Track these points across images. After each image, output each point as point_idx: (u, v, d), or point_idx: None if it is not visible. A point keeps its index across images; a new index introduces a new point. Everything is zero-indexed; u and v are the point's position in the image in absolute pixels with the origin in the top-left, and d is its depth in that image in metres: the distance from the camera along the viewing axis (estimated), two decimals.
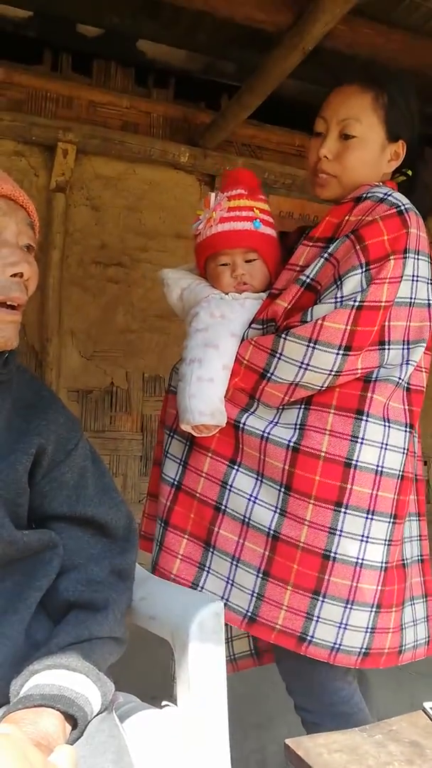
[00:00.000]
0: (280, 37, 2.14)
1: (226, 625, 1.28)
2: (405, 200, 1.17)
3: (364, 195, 1.18)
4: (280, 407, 1.19)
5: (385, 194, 1.17)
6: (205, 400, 1.16)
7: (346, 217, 1.18)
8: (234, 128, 2.82)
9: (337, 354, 1.10)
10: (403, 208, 1.15)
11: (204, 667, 0.86)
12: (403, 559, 1.20)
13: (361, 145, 1.22)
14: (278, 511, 1.14)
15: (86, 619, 0.85)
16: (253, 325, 1.22)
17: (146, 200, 3.00)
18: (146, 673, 1.54)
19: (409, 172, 1.32)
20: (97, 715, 0.75)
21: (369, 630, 1.12)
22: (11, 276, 0.87)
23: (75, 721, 0.71)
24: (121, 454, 2.98)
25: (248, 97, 2.48)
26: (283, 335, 1.13)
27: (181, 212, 3.08)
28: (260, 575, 1.14)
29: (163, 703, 0.87)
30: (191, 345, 1.22)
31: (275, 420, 1.19)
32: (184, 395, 1.18)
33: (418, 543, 1.27)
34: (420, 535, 1.27)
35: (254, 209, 1.27)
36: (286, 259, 1.29)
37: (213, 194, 1.30)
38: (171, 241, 3.05)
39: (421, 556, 1.26)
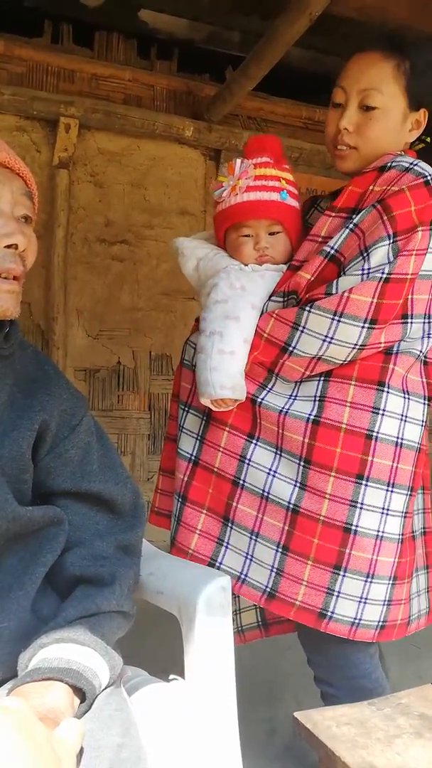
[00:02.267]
0: (285, 3, 2.09)
1: (234, 597, 1.30)
2: (431, 170, 1.15)
3: (389, 164, 1.15)
4: (299, 381, 1.18)
5: (411, 164, 1.14)
6: (227, 373, 1.14)
7: (371, 187, 1.16)
8: (239, 101, 2.77)
9: (363, 327, 1.08)
10: (429, 178, 1.12)
11: (211, 641, 0.86)
12: (412, 531, 1.21)
13: (383, 116, 1.18)
14: (298, 484, 1.14)
15: (93, 593, 0.84)
16: (273, 298, 1.20)
17: (150, 176, 2.96)
18: (156, 648, 1.55)
19: (428, 139, 1.29)
20: (105, 688, 0.75)
21: (386, 603, 1.12)
22: (5, 247, 0.84)
23: (83, 694, 0.71)
24: (129, 433, 2.99)
25: (254, 67, 2.43)
26: (307, 308, 1.10)
27: (185, 188, 3.04)
28: (280, 550, 1.14)
29: (171, 676, 0.87)
30: (210, 317, 1.19)
31: (294, 394, 1.17)
32: (205, 368, 1.15)
33: (422, 515, 1.27)
34: (423, 508, 1.28)
35: (281, 179, 1.24)
36: (304, 232, 1.27)
37: (238, 160, 1.25)
38: (176, 218, 3.01)
39: (424, 528, 1.27)
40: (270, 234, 1.24)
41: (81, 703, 0.71)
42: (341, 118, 1.19)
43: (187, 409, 1.29)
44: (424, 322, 1.16)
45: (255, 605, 1.38)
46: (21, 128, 2.74)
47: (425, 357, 1.20)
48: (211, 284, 1.23)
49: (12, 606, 0.81)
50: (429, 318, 1.17)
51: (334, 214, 1.20)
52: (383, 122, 1.18)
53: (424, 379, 1.20)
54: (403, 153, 1.20)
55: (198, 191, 3.07)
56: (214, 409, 1.19)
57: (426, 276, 1.13)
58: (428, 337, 1.18)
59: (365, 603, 1.10)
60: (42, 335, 2.81)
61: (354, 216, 1.15)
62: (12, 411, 0.90)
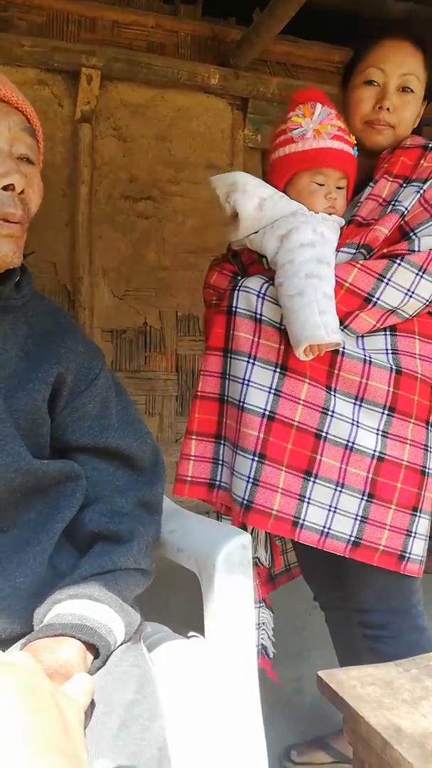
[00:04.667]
0: None
1: (281, 538, 1.36)
2: None
3: (430, 145, 1.29)
4: (361, 335, 1.22)
5: None
6: (335, 317, 1.13)
7: (421, 162, 1.27)
8: (267, 44, 2.64)
9: None
10: None
11: (231, 599, 0.84)
12: None
13: (415, 100, 1.32)
14: (380, 432, 1.21)
15: (110, 550, 0.83)
16: (343, 249, 1.22)
17: (175, 128, 2.87)
18: (181, 605, 1.55)
19: None
20: (122, 644, 0.74)
21: None
22: (2, 189, 0.79)
23: (97, 650, 0.70)
24: (157, 394, 2.97)
25: (282, 7, 2.30)
26: (398, 261, 1.17)
27: (211, 140, 2.94)
28: (365, 498, 1.20)
29: (190, 633, 0.86)
30: (301, 259, 1.14)
31: (361, 347, 1.22)
32: (313, 311, 1.10)
33: None
34: None
35: (351, 135, 1.26)
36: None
37: (318, 105, 1.22)
38: (203, 172, 2.92)
39: None
40: (338, 188, 1.25)
41: (95, 659, 0.70)
42: (384, 98, 1.30)
43: (252, 361, 1.22)
44: None
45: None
46: (42, 81, 2.66)
47: None
48: (287, 226, 1.18)
49: (29, 561, 0.81)
50: None
51: (391, 179, 1.29)
52: (415, 105, 1.32)
53: None
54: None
55: (224, 143, 2.96)
56: (303, 358, 1.15)
57: None
58: None
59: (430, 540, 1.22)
60: (68, 296, 2.79)
61: (406, 184, 1.26)
62: (27, 363, 0.88)
